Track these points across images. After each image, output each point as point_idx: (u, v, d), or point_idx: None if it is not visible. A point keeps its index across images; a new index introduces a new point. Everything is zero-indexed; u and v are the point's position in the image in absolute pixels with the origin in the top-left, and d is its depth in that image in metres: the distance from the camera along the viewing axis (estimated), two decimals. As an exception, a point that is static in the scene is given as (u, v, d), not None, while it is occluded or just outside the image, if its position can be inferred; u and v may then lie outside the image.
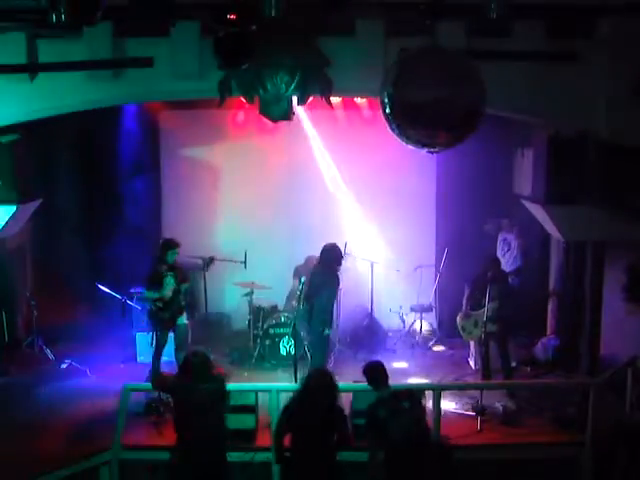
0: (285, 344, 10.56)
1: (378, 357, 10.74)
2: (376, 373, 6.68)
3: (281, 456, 6.58)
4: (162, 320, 9.40)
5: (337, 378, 6.66)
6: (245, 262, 10.83)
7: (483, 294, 9.55)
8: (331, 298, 9.47)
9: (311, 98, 9.17)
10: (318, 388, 6.44)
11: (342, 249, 9.75)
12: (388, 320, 11.99)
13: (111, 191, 11.86)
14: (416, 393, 6.89)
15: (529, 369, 10.41)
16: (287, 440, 6.53)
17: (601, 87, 8.67)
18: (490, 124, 7.95)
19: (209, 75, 8.65)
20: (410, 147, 7.57)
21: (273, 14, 7.76)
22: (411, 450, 6.34)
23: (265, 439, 7.91)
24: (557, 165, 9.65)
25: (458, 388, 9.57)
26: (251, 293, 11.01)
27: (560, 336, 10.79)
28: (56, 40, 8.56)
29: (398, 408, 6.42)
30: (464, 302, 9.95)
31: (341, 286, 9.81)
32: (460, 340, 10.93)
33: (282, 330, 10.61)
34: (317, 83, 8.81)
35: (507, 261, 11.28)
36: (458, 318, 10.00)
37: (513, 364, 9.87)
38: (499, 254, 11.34)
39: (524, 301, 10.71)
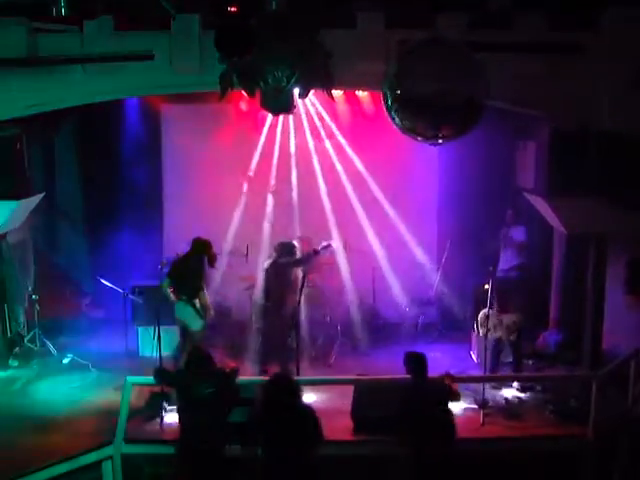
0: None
1: (379, 350, 10.89)
2: (417, 364, 6.77)
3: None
4: (198, 311, 9.44)
5: (338, 371, 6.66)
6: (247, 255, 10.82)
7: (507, 300, 9.54)
8: None
9: (312, 91, 9.15)
10: (277, 393, 6.36)
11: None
12: (390, 313, 11.98)
13: (112, 185, 11.86)
14: (446, 384, 6.98)
15: (531, 362, 10.38)
16: None
17: (602, 79, 8.64)
18: (492, 117, 7.92)
19: (210, 68, 8.63)
20: (412, 140, 7.56)
21: (274, 7, 7.76)
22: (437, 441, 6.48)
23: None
24: (559, 157, 9.62)
25: (460, 381, 9.53)
26: (253, 286, 11.01)
27: (562, 329, 10.77)
28: (56, 34, 8.55)
29: (430, 398, 6.51)
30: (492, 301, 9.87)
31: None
32: (462, 333, 10.95)
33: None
34: (318, 76, 8.78)
35: (510, 255, 11.24)
36: (481, 314, 9.89)
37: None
38: (502, 249, 11.29)
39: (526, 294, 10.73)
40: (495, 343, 9.59)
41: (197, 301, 9.43)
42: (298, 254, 10.04)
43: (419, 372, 6.80)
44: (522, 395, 9.23)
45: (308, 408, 6.43)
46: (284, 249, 9.91)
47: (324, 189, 11.87)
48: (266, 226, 11.55)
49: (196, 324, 9.35)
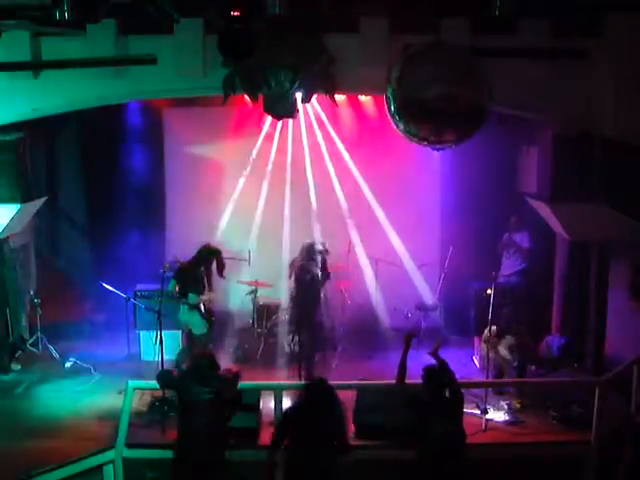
0: (289, 342, 10.54)
1: (382, 355, 10.86)
2: (430, 378, 6.69)
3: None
4: (203, 316, 9.56)
5: (340, 376, 6.63)
6: (249, 260, 10.81)
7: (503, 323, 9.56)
8: None
9: (315, 96, 9.15)
10: (320, 398, 6.35)
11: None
12: (392, 318, 11.96)
13: (115, 188, 11.84)
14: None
15: (533, 368, 10.35)
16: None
17: (606, 84, 8.63)
18: (495, 122, 7.92)
19: (213, 72, 8.65)
20: (415, 144, 7.56)
21: (277, 11, 7.75)
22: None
23: (267, 437, 7.88)
24: (562, 163, 9.62)
25: (463, 387, 9.48)
26: (255, 291, 11.01)
27: (565, 334, 10.74)
28: (59, 38, 8.56)
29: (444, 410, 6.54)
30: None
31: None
32: (465, 338, 10.92)
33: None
34: (321, 80, 8.79)
35: (513, 261, 11.21)
36: (485, 332, 9.89)
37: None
38: (505, 255, 11.26)
39: (529, 299, 10.71)
40: (496, 365, 9.61)
41: (202, 306, 9.47)
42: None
43: (433, 386, 6.69)
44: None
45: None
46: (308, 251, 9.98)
47: (326, 193, 11.85)
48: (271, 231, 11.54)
49: (201, 329, 9.37)
